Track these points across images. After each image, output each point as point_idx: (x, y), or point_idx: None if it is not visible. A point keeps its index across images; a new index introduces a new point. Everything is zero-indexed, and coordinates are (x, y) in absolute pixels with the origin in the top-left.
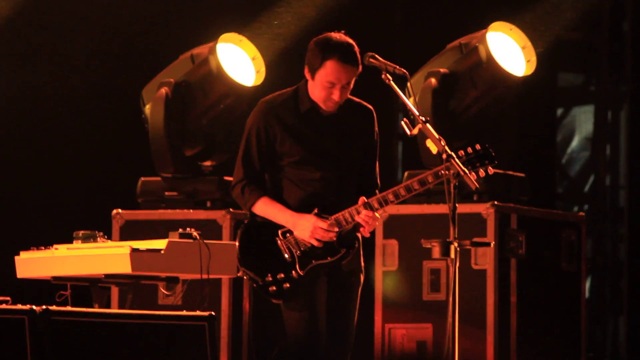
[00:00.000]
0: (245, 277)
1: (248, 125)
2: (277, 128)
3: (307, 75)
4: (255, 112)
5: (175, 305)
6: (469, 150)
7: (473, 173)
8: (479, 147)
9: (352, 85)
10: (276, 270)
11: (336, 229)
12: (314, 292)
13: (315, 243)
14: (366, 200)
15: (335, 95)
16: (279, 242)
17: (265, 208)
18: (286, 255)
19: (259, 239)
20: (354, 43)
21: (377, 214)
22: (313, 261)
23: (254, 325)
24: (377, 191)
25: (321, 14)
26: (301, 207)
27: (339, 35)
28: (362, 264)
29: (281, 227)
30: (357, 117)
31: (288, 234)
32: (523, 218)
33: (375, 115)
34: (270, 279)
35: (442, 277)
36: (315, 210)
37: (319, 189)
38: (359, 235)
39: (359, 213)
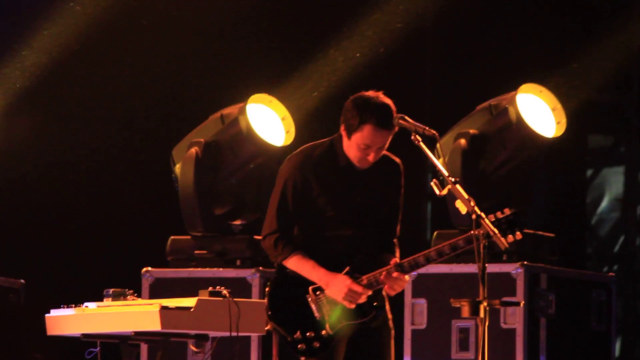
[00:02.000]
0: (273, 331)
1: (283, 176)
2: (314, 182)
3: (343, 133)
4: (291, 164)
5: None
6: (499, 214)
7: (503, 237)
8: (509, 212)
9: (387, 145)
10: (305, 327)
11: (369, 292)
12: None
13: (347, 305)
14: (398, 262)
15: (371, 157)
16: (309, 299)
17: (298, 263)
18: (317, 314)
19: (289, 293)
20: (391, 104)
21: (406, 277)
22: (343, 321)
23: None
24: (395, 241)
25: (351, 74)
26: (331, 263)
27: (376, 96)
28: (390, 316)
29: (312, 282)
30: (386, 171)
31: (319, 292)
32: (553, 278)
33: (402, 169)
34: (300, 336)
35: (471, 336)
36: (347, 269)
37: (350, 245)
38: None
39: (390, 274)
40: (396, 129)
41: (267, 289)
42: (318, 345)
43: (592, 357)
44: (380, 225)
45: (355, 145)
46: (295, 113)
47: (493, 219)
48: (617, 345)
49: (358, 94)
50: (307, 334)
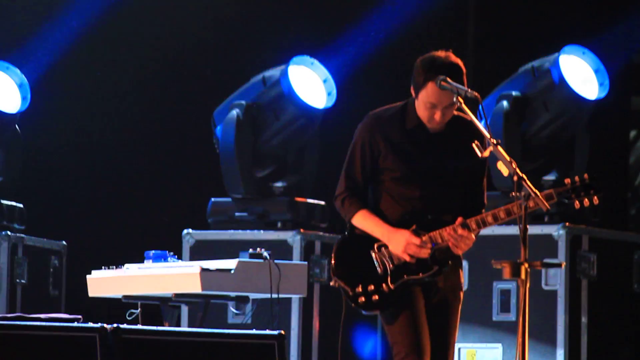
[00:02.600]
0: (336, 286)
1: (355, 138)
2: (382, 143)
3: (413, 92)
4: (362, 126)
5: (245, 324)
6: (577, 179)
7: (579, 201)
8: (587, 177)
9: (457, 105)
10: (367, 281)
11: (429, 246)
12: (412, 300)
13: (407, 258)
14: (464, 221)
15: (437, 116)
16: (373, 254)
17: (364, 221)
18: (379, 269)
19: (355, 250)
20: (459, 63)
21: (472, 235)
22: (405, 276)
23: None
24: (483, 211)
25: (393, 36)
26: (400, 224)
27: (444, 55)
28: (462, 280)
29: (378, 240)
30: (466, 135)
31: (383, 248)
32: (594, 239)
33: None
34: (361, 290)
35: (512, 298)
36: (414, 227)
37: (418, 206)
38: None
39: (455, 232)
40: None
41: (334, 247)
42: (377, 298)
43: (633, 319)
44: (457, 189)
45: (422, 104)
46: (338, 75)
47: (569, 182)
48: None
49: (428, 53)
50: (368, 287)
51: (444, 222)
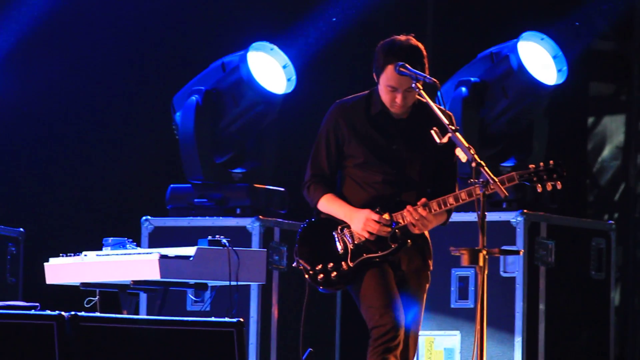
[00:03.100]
0: (298, 267)
1: (321, 126)
2: (346, 130)
3: (375, 77)
4: (327, 114)
5: (204, 312)
6: (541, 165)
7: (541, 185)
8: (551, 163)
9: (418, 89)
10: (327, 260)
11: (390, 224)
12: (381, 269)
13: (367, 235)
14: (426, 201)
15: (399, 99)
16: (335, 235)
17: (328, 204)
18: (339, 247)
19: (318, 233)
20: (419, 46)
21: (431, 216)
22: (364, 254)
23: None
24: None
25: (353, 22)
26: (365, 207)
27: (404, 38)
28: (430, 262)
29: (342, 222)
30: (430, 122)
31: (345, 229)
32: (552, 226)
33: (454, 122)
34: (320, 267)
35: (471, 285)
36: (377, 209)
37: (381, 191)
38: (425, 234)
39: (415, 211)
40: (427, 73)
41: (299, 230)
42: (336, 275)
43: (591, 305)
44: (422, 175)
45: (383, 88)
46: (297, 61)
47: (533, 167)
48: (617, 294)
49: (389, 38)
50: (328, 265)
51: (407, 204)
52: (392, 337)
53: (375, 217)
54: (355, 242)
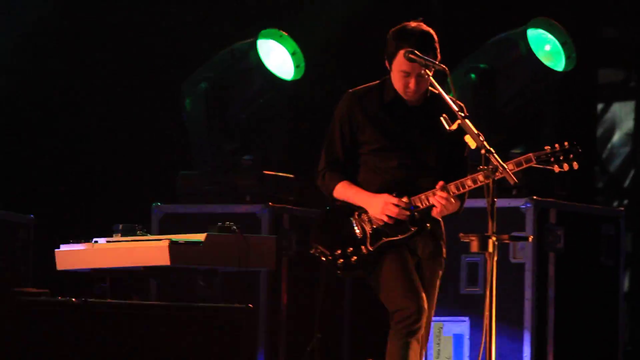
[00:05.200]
0: (316, 253)
1: (334, 115)
2: (360, 117)
3: (387, 65)
4: (340, 103)
5: (214, 298)
6: (556, 146)
7: (558, 166)
8: (567, 144)
9: (431, 73)
10: (347, 245)
11: (408, 207)
12: (400, 254)
13: (386, 219)
14: (444, 184)
15: (412, 84)
16: (353, 220)
17: (344, 191)
18: (358, 232)
19: (335, 219)
20: (430, 31)
21: (452, 199)
22: (383, 238)
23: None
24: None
25: (362, 10)
26: (380, 192)
27: (415, 24)
28: (444, 249)
29: (359, 208)
30: (443, 109)
31: (363, 214)
32: (562, 213)
33: (465, 111)
34: (340, 252)
35: (480, 271)
36: (394, 194)
37: (397, 176)
38: (440, 221)
39: (434, 194)
40: (439, 57)
41: (316, 218)
42: (356, 259)
43: (600, 291)
44: (436, 160)
45: (396, 74)
46: (306, 48)
47: (549, 149)
48: (626, 280)
49: (399, 25)
50: (347, 250)
51: (423, 189)
52: (415, 319)
53: (395, 200)
54: (374, 227)
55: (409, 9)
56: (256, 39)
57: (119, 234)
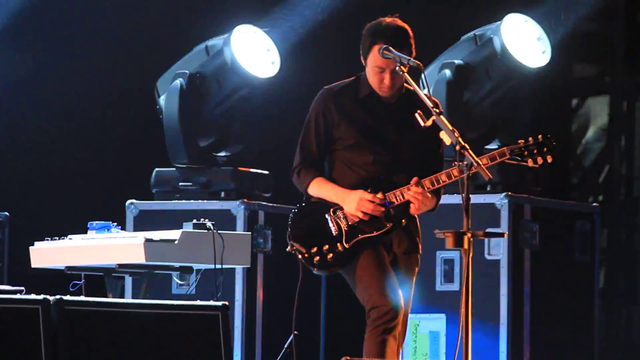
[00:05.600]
0: (292, 251)
1: (309, 111)
2: (335, 113)
3: (362, 61)
4: (316, 99)
5: (189, 295)
6: (530, 140)
7: (532, 160)
8: (540, 137)
9: (405, 70)
10: (323, 242)
11: (383, 203)
12: (375, 250)
13: (362, 215)
14: (418, 180)
15: (387, 80)
16: (328, 217)
17: (319, 187)
18: (333, 229)
19: (311, 216)
20: (405, 27)
21: (427, 194)
22: (359, 235)
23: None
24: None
25: (337, 7)
26: (355, 188)
27: (390, 20)
28: (420, 246)
29: (334, 205)
30: (418, 105)
31: (339, 210)
32: (537, 209)
33: (440, 107)
34: (316, 250)
35: (456, 267)
36: (369, 190)
37: (372, 172)
38: (415, 217)
39: (409, 191)
40: (414, 53)
41: (291, 214)
42: (332, 256)
43: (575, 287)
44: (412, 156)
45: (371, 70)
46: (281, 44)
47: (522, 142)
48: (601, 276)
49: (375, 20)
50: (323, 247)
51: (398, 185)
52: (392, 317)
53: (369, 196)
54: (349, 224)
55: (383, 6)
56: (230, 34)
57: (94, 231)
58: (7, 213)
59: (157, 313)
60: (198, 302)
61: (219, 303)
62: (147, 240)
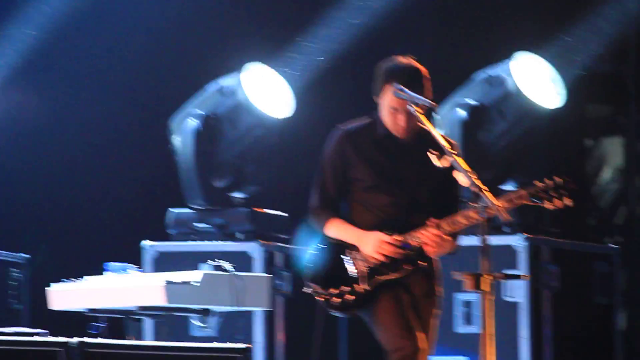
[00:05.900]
0: (310, 292)
1: (325, 151)
2: (352, 154)
3: (376, 99)
4: (332, 139)
5: (209, 337)
6: (548, 182)
7: (549, 202)
8: (558, 179)
9: (421, 111)
10: (341, 283)
11: (401, 245)
12: (395, 293)
13: (380, 257)
14: (436, 221)
15: (401, 121)
16: (346, 258)
17: (336, 228)
18: (352, 270)
19: (328, 257)
20: (419, 67)
21: (444, 236)
22: (377, 277)
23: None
24: None
25: (349, 44)
26: (372, 230)
27: (404, 60)
28: (438, 289)
29: (351, 246)
30: (435, 145)
31: (355, 252)
32: (555, 250)
33: (457, 149)
34: (335, 291)
35: (475, 310)
36: (387, 232)
37: (390, 213)
38: (435, 259)
39: (426, 232)
40: (430, 94)
41: (307, 256)
42: (352, 299)
43: (596, 329)
44: (429, 197)
45: (385, 110)
46: (295, 84)
47: (541, 185)
48: (623, 318)
49: (388, 59)
50: (343, 289)
51: (415, 226)
52: (412, 359)
53: (388, 238)
54: (368, 265)
55: (397, 45)
56: (244, 74)
57: (111, 272)
58: (28, 255)
59: (179, 355)
60: (220, 345)
61: (241, 345)
62: (169, 283)
